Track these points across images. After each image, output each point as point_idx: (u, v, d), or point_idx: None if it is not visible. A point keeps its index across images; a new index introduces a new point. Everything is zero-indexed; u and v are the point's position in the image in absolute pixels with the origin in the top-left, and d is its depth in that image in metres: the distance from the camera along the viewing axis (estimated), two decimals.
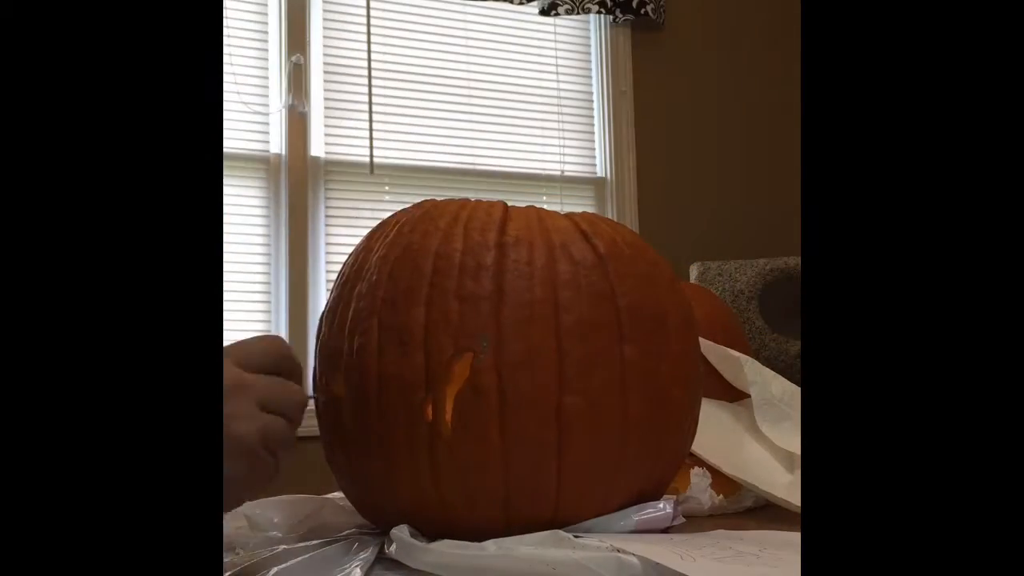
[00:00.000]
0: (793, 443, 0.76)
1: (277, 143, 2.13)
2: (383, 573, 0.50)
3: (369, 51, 2.23)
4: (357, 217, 2.16)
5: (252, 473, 0.47)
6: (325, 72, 2.18)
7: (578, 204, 2.40)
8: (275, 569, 0.48)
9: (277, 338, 0.52)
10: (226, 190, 2.04)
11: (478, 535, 0.49)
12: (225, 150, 1.96)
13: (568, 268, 0.54)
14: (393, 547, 0.52)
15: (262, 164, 2.12)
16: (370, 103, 2.20)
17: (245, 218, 2.10)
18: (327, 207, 2.15)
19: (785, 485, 0.72)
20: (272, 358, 0.50)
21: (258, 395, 0.48)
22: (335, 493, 0.69)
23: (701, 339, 0.63)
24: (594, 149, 2.46)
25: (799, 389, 0.79)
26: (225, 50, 2.00)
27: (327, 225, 2.15)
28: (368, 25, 2.24)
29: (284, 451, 0.49)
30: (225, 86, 1.96)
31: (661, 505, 0.55)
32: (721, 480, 0.72)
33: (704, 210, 2.49)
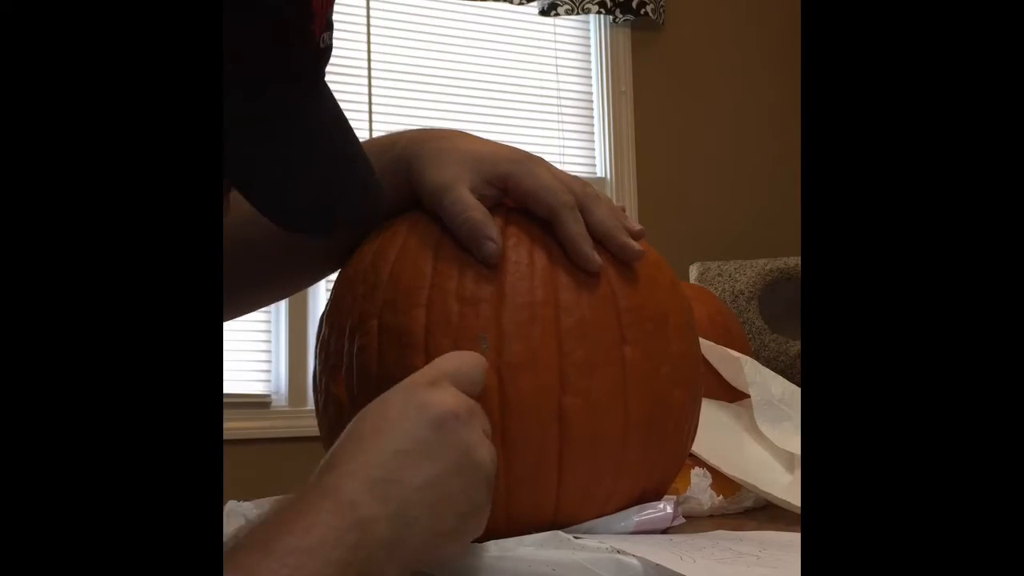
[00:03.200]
0: (793, 443, 0.76)
1: None
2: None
3: (369, 51, 2.23)
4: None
5: (489, 496, 0.46)
6: (325, 72, 2.17)
7: None
8: None
9: (477, 356, 0.49)
10: None
11: (478, 536, 0.49)
12: None
13: (568, 269, 0.54)
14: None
15: None
16: (370, 103, 2.20)
17: None
18: None
19: (785, 485, 0.72)
20: (483, 378, 0.49)
21: (482, 419, 0.47)
22: None
23: (701, 339, 0.63)
24: (594, 149, 2.46)
25: (799, 389, 0.79)
26: None
27: None
28: (368, 25, 2.24)
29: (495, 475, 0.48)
30: None
31: (661, 506, 0.55)
32: (721, 480, 0.72)
33: (704, 210, 2.49)
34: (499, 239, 0.53)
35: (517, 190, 0.55)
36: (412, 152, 0.58)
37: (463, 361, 0.48)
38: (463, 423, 0.45)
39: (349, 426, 0.46)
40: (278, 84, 0.46)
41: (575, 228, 0.54)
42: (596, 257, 0.54)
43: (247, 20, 0.42)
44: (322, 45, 0.48)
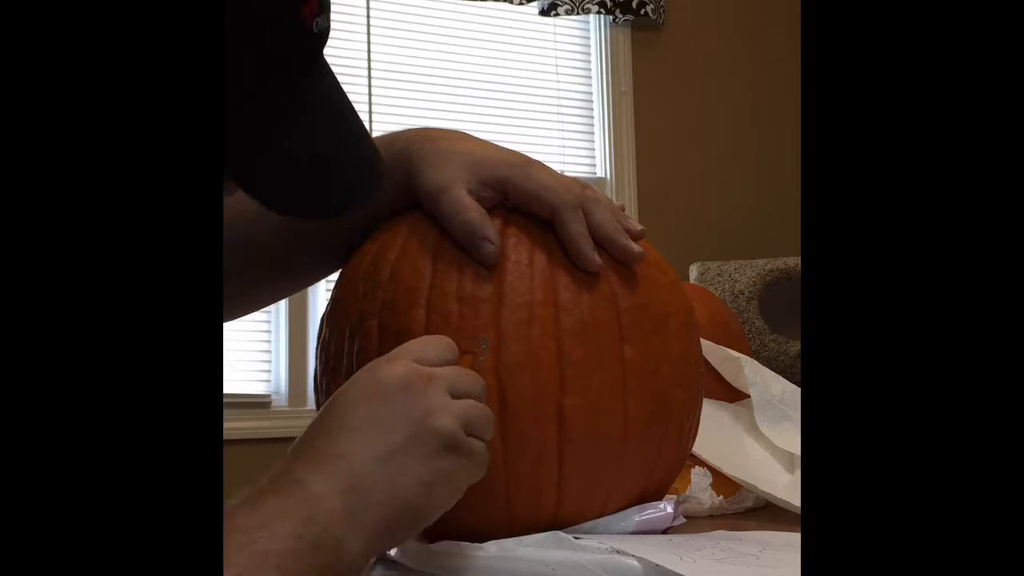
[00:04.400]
0: (793, 443, 0.76)
1: None
2: (384, 573, 0.50)
3: (369, 51, 2.23)
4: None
5: (467, 462, 0.45)
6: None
7: None
8: None
9: (444, 337, 0.50)
10: None
11: (478, 536, 0.49)
12: None
13: (568, 269, 0.54)
14: (394, 548, 0.52)
15: None
16: (370, 103, 2.20)
17: None
18: None
19: (785, 485, 0.72)
20: (448, 354, 0.48)
21: (447, 384, 0.46)
22: None
23: (702, 340, 0.63)
24: (594, 149, 2.46)
25: (799, 389, 0.79)
26: None
27: None
28: (368, 25, 2.24)
29: (487, 433, 0.47)
30: None
31: (662, 505, 0.55)
32: (721, 480, 0.72)
33: (704, 210, 2.48)
34: (496, 239, 0.53)
35: (517, 193, 0.55)
36: (411, 152, 0.58)
37: (426, 340, 0.49)
38: (416, 391, 0.45)
39: (320, 411, 0.47)
40: (271, 72, 0.46)
41: (576, 228, 0.54)
42: (596, 257, 0.54)
43: (237, 9, 0.42)
44: (315, 29, 0.48)
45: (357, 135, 0.53)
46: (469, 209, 0.53)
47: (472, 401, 0.47)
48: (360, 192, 0.52)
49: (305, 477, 0.42)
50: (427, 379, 0.45)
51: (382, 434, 0.43)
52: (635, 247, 0.55)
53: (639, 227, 0.57)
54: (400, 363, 0.46)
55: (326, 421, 0.45)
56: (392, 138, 0.61)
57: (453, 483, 0.45)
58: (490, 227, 0.53)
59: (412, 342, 0.48)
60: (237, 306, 0.70)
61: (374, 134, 0.61)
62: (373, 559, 0.48)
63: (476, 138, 0.59)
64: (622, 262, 0.55)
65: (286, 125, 0.47)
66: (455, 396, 0.46)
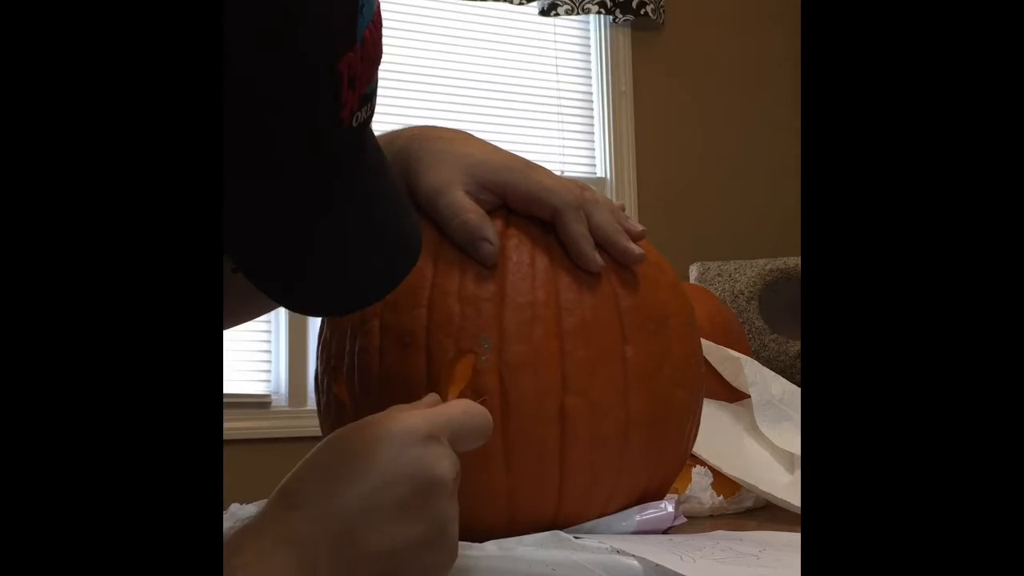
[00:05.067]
0: (793, 443, 0.76)
1: None
2: None
3: None
4: None
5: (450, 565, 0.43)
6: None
7: None
8: None
9: (484, 414, 0.45)
10: None
11: (479, 535, 0.49)
12: None
13: (570, 269, 0.54)
14: None
15: None
16: None
17: None
18: None
19: (785, 485, 0.72)
20: (482, 439, 0.45)
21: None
22: None
23: (702, 340, 0.63)
24: (594, 149, 2.46)
25: (799, 389, 0.79)
26: None
27: None
28: None
29: None
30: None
31: (663, 505, 0.55)
32: (721, 480, 0.72)
33: (704, 210, 2.48)
34: (496, 240, 0.53)
35: (517, 195, 0.55)
36: (409, 152, 0.58)
37: (471, 416, 0.45)
38: (448, 495, 0.42)
39: (320, 450, 0.42)
40: (307, 176, 0.42)
41: (577, 228, 0.54)
42: (598, 258, 0.54)
43: (271, 131, 0.39)
44: (355, 124, 0.44)
45: (399, 216, 0.49)
46: (467, 210, 0.53)
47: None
48: (395, 276, 0.47)
49: (319, 558, 0.39)
50: (457, 480, 0.43)
51: (401, 527, 0.40)
52: (636, 248, 0.55)
53: (639, 228, 0.57)
54: (447, 456, 0.42)
55: (347, 483, 0.41)
56: (392, 136, 0.61)
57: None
58: (489, 227, 0.53)
59: (461, 416, 0.44)
60: (235, 313, 0.69)
61: (374, 135, 0.61)
62: None
63: (476, 138, 0.59)
64: (623, 264, 0.55)
65: (321, 225, 0.43)
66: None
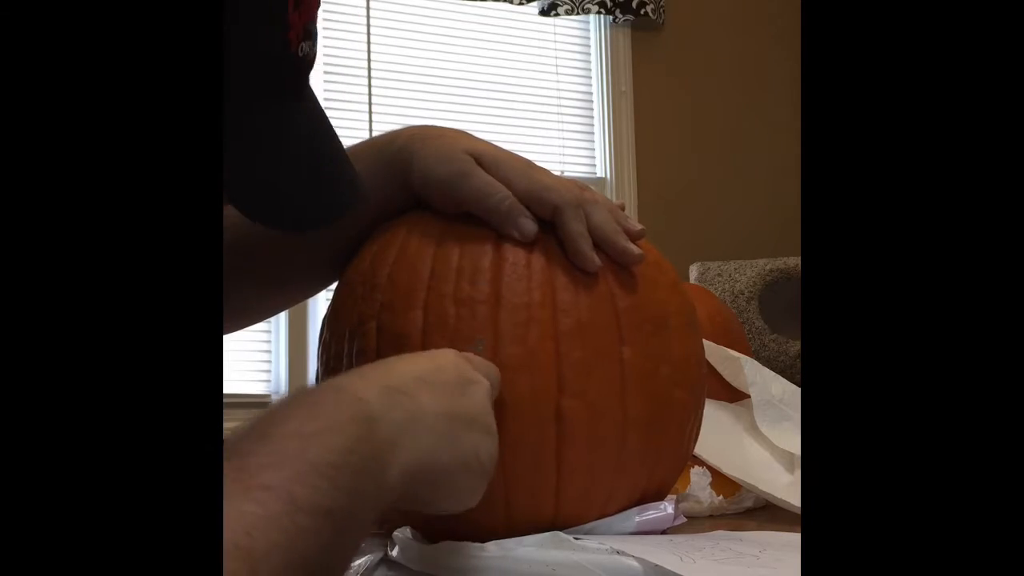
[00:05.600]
0: (793, 443, 0.76)
1: None
2: (386, 574, 0.50)
3: (369, 51, 2.23)
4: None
5: (492, 461, 0.47)
6: (325, 72, 2.17)
7: None
8: None
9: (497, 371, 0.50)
10: None
11: (478, 536, 0.49)
12: None
13: (566, 270, 0.54)
14: (395, 549, 0.52)
15: None
16: (370, 103, 2.20)
17: None
18: None
19: (785, 485, 0.72)
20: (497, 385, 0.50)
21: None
22: None
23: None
24: (594, 149, 2.46)
25: (799, 389, 0.79)
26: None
27: None
28: (368, 25, 2.24)
29: None
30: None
31: (662, 506, 0.55)
32: (721, 480, 0.72)
33: (704, 210, 2.49)
34: (533, 217, 0.54)
35: (518, 192, 0.55)
36: (412, 150, 0.58)
37: (494, 375, 0.49)
38: (480, 389, 0.46)
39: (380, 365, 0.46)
40: (255, 94, 0.46)
41: (576, 227, 0.54)
42: (596, 258, 0.54)
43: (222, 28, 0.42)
44: (300, 54, 0.48)
45: (337, 159, 0.53)
46: (500, 189, 0.54)
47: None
48: (339, 209, 0.52)
49: (368, 396, 0.40)
50: (488, 391, 0.47)
51: (444, 397, 0.43)
52: (634, 249, 0.55)
53: (639, 227, 0.57)
54: (485, 396, 0.46)
55: (398, 363, 0.45)
56: (390, 137, 0.61)
57: (482, 483, 0.46)
58: (521, 206, 0.54)
59: (491, 368, 0.49)
60: (236, 316, 0.70)
61: (374, 134, 0.61)
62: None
63: (474, 136, 0.59)
64: (622, 264, 0.55)
65: (265, 143, 0.48)
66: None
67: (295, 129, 0.50)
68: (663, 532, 0.55)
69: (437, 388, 0.43)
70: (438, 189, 0.56)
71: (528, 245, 0.54)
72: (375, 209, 0.59)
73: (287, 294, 0.71)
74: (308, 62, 0.50)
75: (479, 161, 0.56)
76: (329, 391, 0.40)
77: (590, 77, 2.49)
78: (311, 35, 0.49)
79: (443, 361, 0.46)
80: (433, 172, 0.56)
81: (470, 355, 0.49)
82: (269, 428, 0.37)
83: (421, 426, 0.41)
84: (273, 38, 0.46)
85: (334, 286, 0.61)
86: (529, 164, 0.57)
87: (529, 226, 0.53)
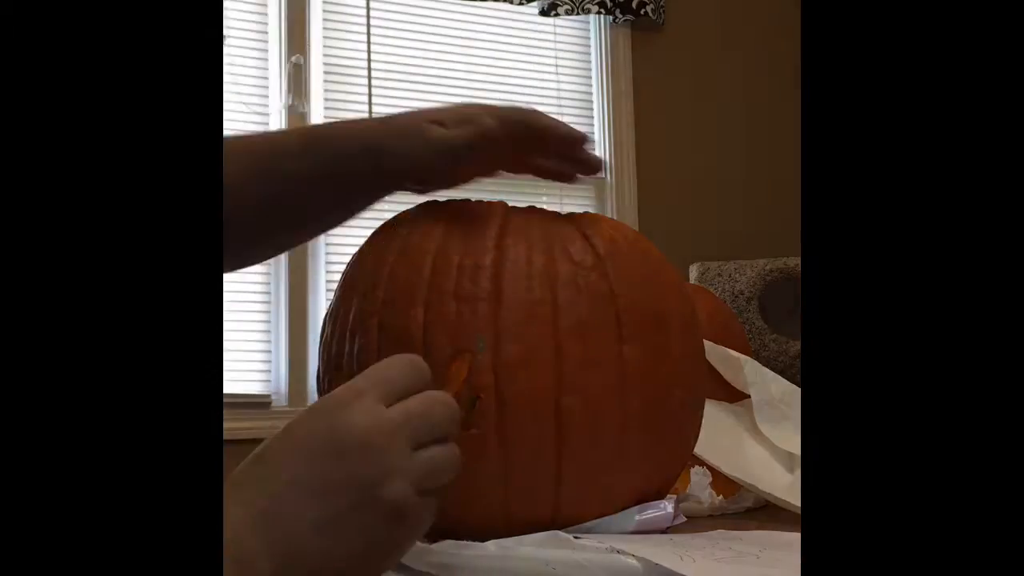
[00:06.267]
0: (793, 443, 0.76)
1: None
2: (386, 573, 0.50)
3: (369, 51, 2.23)
4: (358, 217, 2.15)
5: (412, 528, 0.41)
6: (325, 72, 2.17)
7: (578, 204, 2.39)
8: None
9: (407, 356, 0.44)
10: None
11: (478, 536, 0.49)
12: None
13: (567, 268, 0.54)
14: None
15: None
16: (370, 103, 2.20)
17: None
18: None
19: (785, 485, 0.72)
20: (417, 381, 0.43)
21: (410, 434, 0.41)
22: None
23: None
24: (594, 149, 2.46)
25: (799, 389, 0.79)
26: (225, 50, 2.00)
27: None
28: (368, 25, 2.24)
29: (449, 473, 0.42)
30: (225, 86, 1.96)
31: (662, 505, 0.55)
32: (721, 480, 0.72)
33: (704, 210, 2.48)
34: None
35: (481, 128, 0.58)
36: (377, 140, 0.60)
37: (393, 366, 0.43)
38: (374, 451, 0.39)
39: (267, 440, 0.41)
40: None
41: (548, 120, 0.59)
42: (581, 131, 0.60)
43: None
44: None
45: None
46: (456, 114, 0.59)
47: (434, 450, 0.41)
48: None
49: (242, 533, 0.37)
50: (389, 434, 0.40)
51: (327, 499, 0.39)
52: (596, 156, 0.61)
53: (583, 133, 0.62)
54: (361, 410, 0.40)
55: (272, 464, 0.40)
56: (345, 137, 0.63)
57: (392, 554, 0.42)
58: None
59: (377, 368, 0.43)
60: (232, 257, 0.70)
61: None
62: None
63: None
64: (585, 170, 0.61)
65: None
66: (420, 445, 0.41)
67: None
68: (663, 531, 0.55)
69: (309, 488, 0.39)
70: (439, 147, 0.58)
71: (529, 242, 0.54)
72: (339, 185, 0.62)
73: (320, 227, 0.72)
74: None
75: (437, 119, 0.58)
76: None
77: (590, 77, 2.49)
78: None
79: (309, 443, 0.40)
80: (423, 144, 0.58)
81: (354, 381, 0.42)
82: None
83: (300, 544, 0.38)
84: None
85: (334, 286, 0.61)
86: (479, 107, 0.60)
87: (595, 159, 0.60)
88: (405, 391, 0.42)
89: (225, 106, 2.03)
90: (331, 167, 0.61)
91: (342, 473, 0.39)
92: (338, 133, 0.64)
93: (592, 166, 0.61)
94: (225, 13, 2.03)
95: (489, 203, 0.58)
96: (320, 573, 0.39)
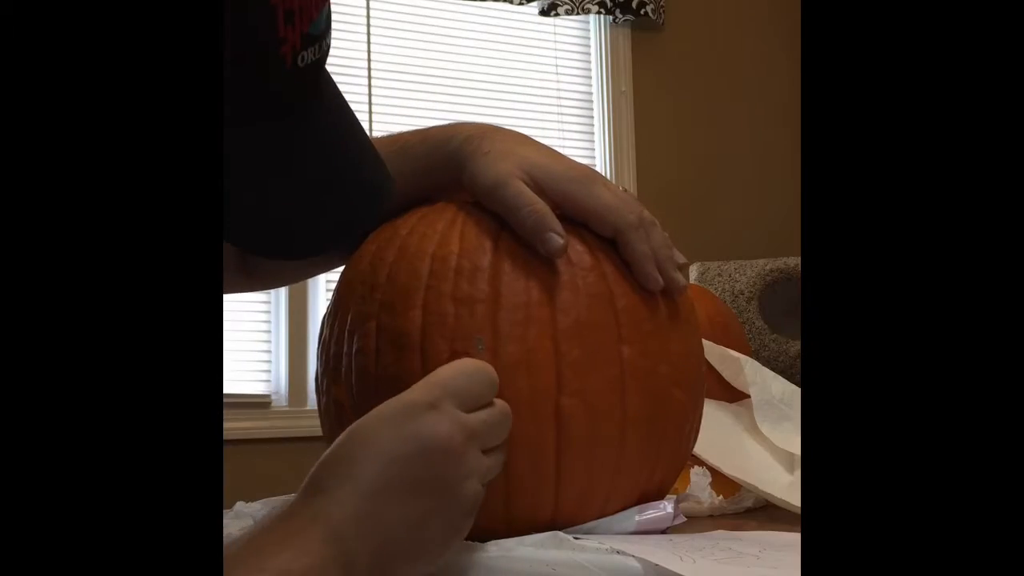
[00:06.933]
0: (793, 443, 0.76)
1: None
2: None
3: (369, 51, 2.23)
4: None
5: (472, 521, 0.46)
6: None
7: None
8: None
9: (480, 365, 0.49)
10: None
11: (479, 536, 0.49)
12: None
13: (566, 269, 0.54)
14: None
15: None
16: (370, 103, 2.20)
17: None
18: None
19: (785, 485, 0.72)
20: (490, 393, 0.48)
21: (482, 442, 0.46)
22: None
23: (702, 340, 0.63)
24: (594, 149, 2.46)
25: (799, 389, 0.79)
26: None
27: None
28: (368, 25, 2.24)
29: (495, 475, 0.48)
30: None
31: (662, 505, 0.55)
32: (721, 480, 0.72)
33: (704, 210, 2.48)
34: (564, 234, 0.53)
35: (577, 209, 0.55)
36: (466, 152, 0.58)
37: (466, 374, 0.47)
38: (454, 456, 0.44)
39: (342, 438, 0.45)
40: (246, 121, 0.46)
41: (643, 248, 0.55)
42: (659, 278, 0.55)
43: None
44: (300, 64, 0.48)
45: (358, 158, 0.53)
46: (535, 202, 0.53)
47: (494, 457, 0.48)
48: (355, 221, 0.52)
49: (345, 531, 0.42)
50: (467, 440, 0.45)
51: (414, 499, 0.44)
52: (681, 279, 0.57)
53: (683, 259, 0.58)
54: (445, 419, 0.45)
55: (361, 465, 0.44)
56: (449, 133, 0.62)
57: (456, 541, 0.46)
58: (556, 221, 0.53)
59: (456, 376, 0.47)
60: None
61: (374, 134, 0.61)
62: None
63: (536, 142, 0.59)
64: (666, 293, 0.56)
65: (264, 172, 0.47)
66: (486, 448, 0.47)
67: (296, 148, 0.49)
68: (663, 532, 0.55)
69: (401, 489, 0.43)
70: (484, 193, 0.56)
71: (526, 246, 0.54)
72: (427, 192, 0.60)
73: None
74: (313, 68, 0.49)
75: (532, 174, 0.55)
76: (313, 522, 0.42)
77: (590, 77, 2.49)
78: (313, 40, 0.48)
79: (396, 449, 0.44)
80: (478, 179, 0.56)
81: (425, 388, 0.46)
82: (263, 559, 0.40)
83: (394, 543, 0.43)
84: (264, 65, 0.45)
85: (334, 286, 0.61)
86: (588, 177, 0.56)
87: (555, 242, 0.52)
88: (479, 400, 0.47)
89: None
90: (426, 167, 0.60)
91: (429, 474, 0.44)
92: (436, 134, 0.64)
93: (676, 290, 0.57)
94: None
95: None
96: (406, 562, 0.44)
